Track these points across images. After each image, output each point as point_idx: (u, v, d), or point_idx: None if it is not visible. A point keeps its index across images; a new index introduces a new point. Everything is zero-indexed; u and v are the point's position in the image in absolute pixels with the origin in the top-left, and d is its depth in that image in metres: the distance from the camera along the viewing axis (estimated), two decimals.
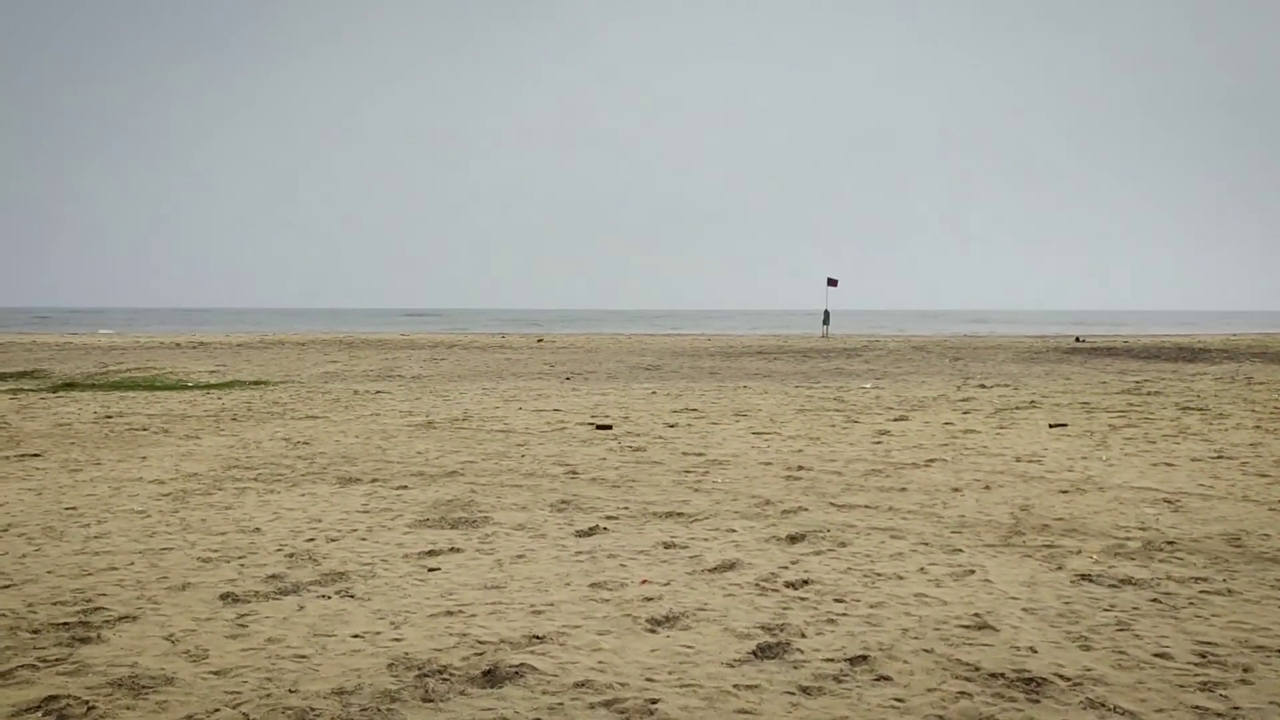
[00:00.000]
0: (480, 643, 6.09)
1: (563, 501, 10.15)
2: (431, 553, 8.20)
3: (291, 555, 8.11)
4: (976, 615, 6.61)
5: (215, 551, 8.25)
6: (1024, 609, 6.76)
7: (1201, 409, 17.86)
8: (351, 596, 7.04)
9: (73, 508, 9.92)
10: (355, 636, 6.22)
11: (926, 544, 8.47)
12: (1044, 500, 10.15)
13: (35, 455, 13.07)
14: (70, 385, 26.01)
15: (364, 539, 8.67)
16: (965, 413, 17.69)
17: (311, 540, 8.61)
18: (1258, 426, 15.36)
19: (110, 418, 17.17)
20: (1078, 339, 53.62)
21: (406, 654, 5.90)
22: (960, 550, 8.26)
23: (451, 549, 8.31)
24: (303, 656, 5.88)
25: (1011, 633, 6.28)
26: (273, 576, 7.51)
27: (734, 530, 8.95)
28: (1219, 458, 12.57)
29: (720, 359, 37.54)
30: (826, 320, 62.28)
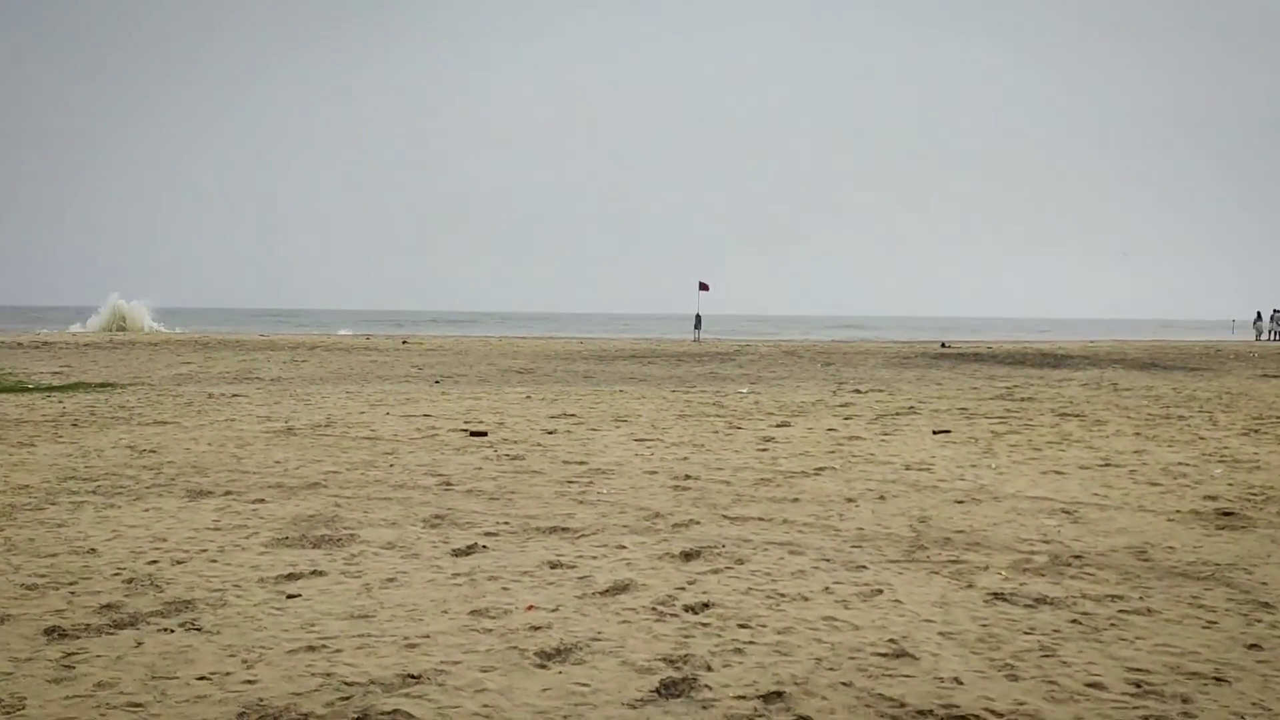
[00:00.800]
0: (347, 684, 5.34)
1: (436, 516, 9.39)
2: (290, 576, 7.38)
3: (131, 581, 7.20)
4: (892, 641, 6.10)
5: (42, 577, 7.29)
6: (940, 633, 6.28)
7: (1078, 415, 17.87)
8: (198, 629, 6.21)
9: None
10: (201, 679, 5.42)
11: (828, 560, 7.97)
12: (941, 511, 9.76)
13: None
14: None
15: (214, 560, 7.80)
16: (846, 419, 17.40)
17: (154, 563, 7.70)
18: (1138, 434, 15.35)
19: None
20: (943, 344, 54.46)
21: (261, 700, 5.13)
22: (864, 567, 7.78)
23: (313, 572, 7.50)
24: (137, 705, 5.06)
25: (932, 661, 5.79)
26: (107, 606, 6.62)
27: (624, 546, 8.32)
28: (1106, 465, 12.41)
29: (594, 362, 36.94)
30: (698, 325, 62.20)
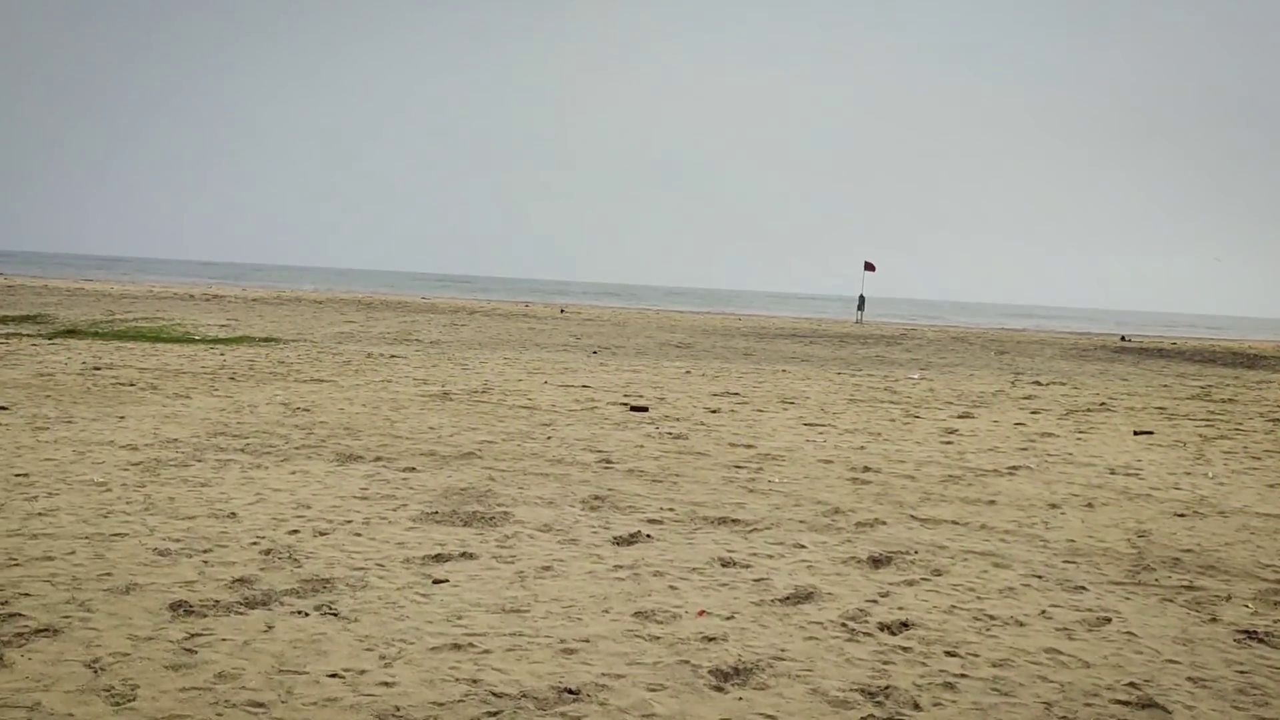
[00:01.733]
0: (495, 695, 4.61)
1: (596, 497, 8.65)
2: (438, 557, 6.71)
3: (268, 552, 6.63)
4: (1133, 686, 5.10)
5: (177, 542, 6.77)
6: (1190, 679, 5.25)
7: None
8: (335, 614, 5.57)
9: (24, 474, 8.46)
10: (332, 676, 4.75)
11: (1039, 576, 6.95)
12: (1161, 525, 8.61)
13: (2, 409, 11.63)
14: (70, 332, 24.69)
15: (359, 534, 7.19)
16: (1033, 412, 16.11)
17: (295, 533, 7.13)
18: None
19: (98, 369, 15.73)
20: (1124, 338, 51.83)
21: (397, 709, 4.44)
22: (1083, 588, 6.74)
23: (463, 554, 6.82)
24: (258, 705, 4.42)
25: (1187, 716, 4.78)
26: (240, 580, 6.04)
27: (803, 545, 7.43)
28: None
29: (754, 340, 35.96)
30: (861, 306, 60.51)
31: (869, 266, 59.33)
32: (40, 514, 7.26)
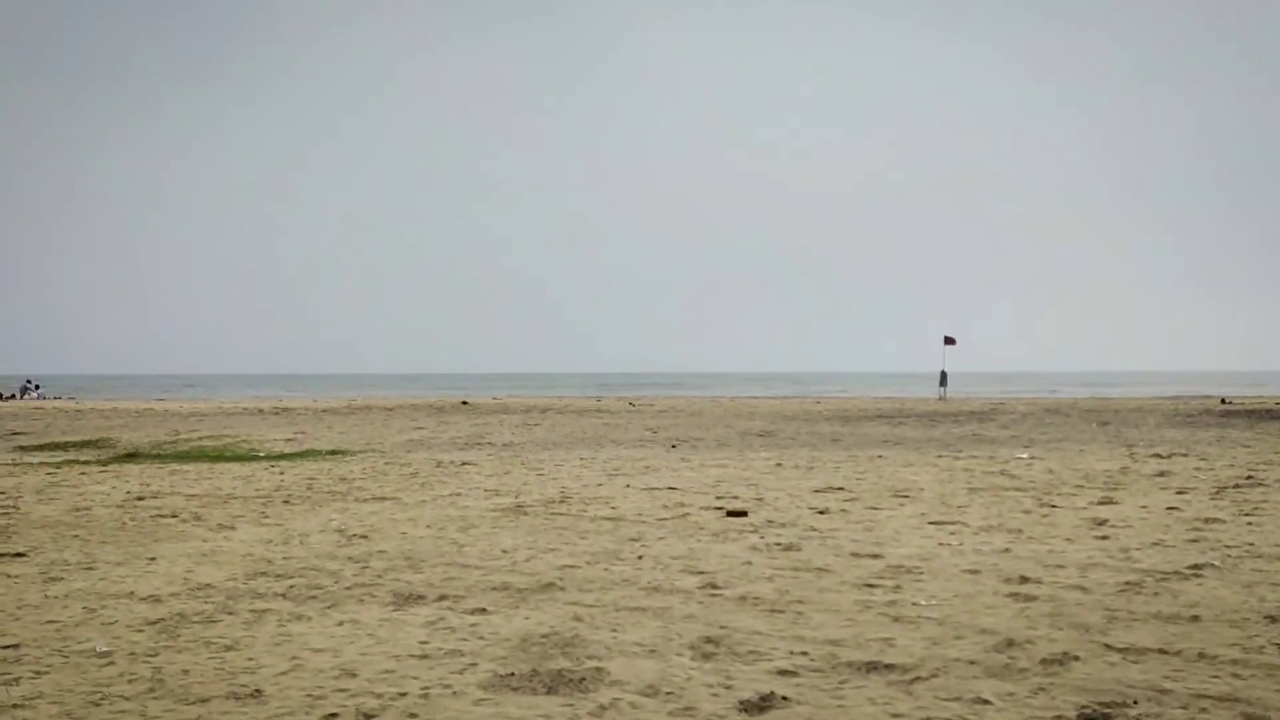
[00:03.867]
0: None
1: (708, 639, 7.00)
2: None
3: None
4: None
5: None
6: None
7: None
8: None
9: (13, 645, 6.97)
10: None
11: None
12: None
13: (18, 555, 10.22)
14: (132, 455, 23.73)
15: (414, 715, 5.61)
16: (1178, 492, 14.26)
17: (333, 718, 5.57)
18: None
19: (141, 499, 14.39)
20: (1224, 400, 49.25)
21: None
22: None
23: None
24: None
25: None
26: None
27: (986, 701, 5.74)
28: None
29: (839, 424, 34.17)
30: (944, 381, 58.43)
31: (949, 340, 57.34)
32: (16, 705, 5.76)
